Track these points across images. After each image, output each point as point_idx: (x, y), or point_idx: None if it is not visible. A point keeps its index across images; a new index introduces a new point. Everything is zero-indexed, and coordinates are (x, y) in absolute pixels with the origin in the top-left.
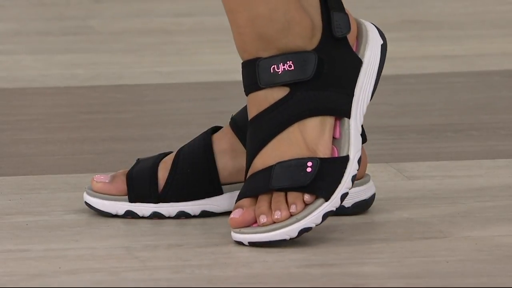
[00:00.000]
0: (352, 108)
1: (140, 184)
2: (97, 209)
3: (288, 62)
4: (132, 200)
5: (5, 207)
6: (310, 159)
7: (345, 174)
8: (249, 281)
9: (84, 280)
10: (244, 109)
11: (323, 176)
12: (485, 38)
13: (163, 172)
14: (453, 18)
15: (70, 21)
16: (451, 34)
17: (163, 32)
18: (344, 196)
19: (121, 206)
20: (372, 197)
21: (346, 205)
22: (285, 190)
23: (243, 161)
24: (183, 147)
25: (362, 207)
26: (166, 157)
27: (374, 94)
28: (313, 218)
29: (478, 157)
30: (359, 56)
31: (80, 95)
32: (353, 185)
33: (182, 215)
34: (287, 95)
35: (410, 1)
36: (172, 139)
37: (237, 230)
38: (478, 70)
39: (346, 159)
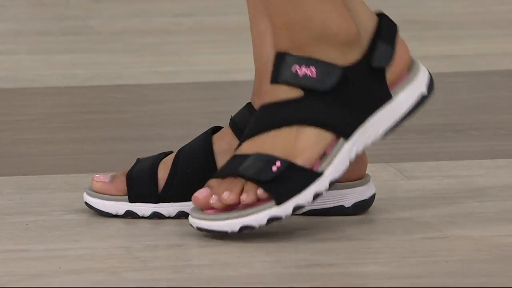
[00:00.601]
0: (355, 134)
1: (140, 184)
2: (97, 209)
3: (311, 68)
4: (132, 200)
5: (5, 207)
6: (280, 159)
7: (308, 188)
8: (249, 281)
9: (84, 280)
10: (243, 110)
11: (285, 180)
12: (485, 38)
13: (163, 172)
14: (453, 18)
15: (70, 21)
16: (451, 34)
17: (163, 32)
18: (297, 208)
19: (121, 206)
20: (372, 197)
21: (346, 205)
22: (246, 178)
23: None
24: (183, 147)
25: (362, 207)
26: (166, 157)
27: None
28: (258, 217)
29: (478, 157)
30: (392, 92)
31: (80, 95)
32: (353, 186)
33: (182, 215)
34: (299, 98)
35: (410, 1)
36: (172, 139)
37: (192, 213)
38: (478, 70)
39: (317, 174)
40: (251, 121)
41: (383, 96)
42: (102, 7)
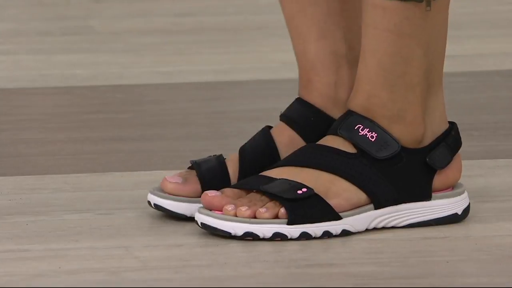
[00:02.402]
0: (385, 209)
1: (213, 185)
2: (170, 210)
3: (373, 133)
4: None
5: (5, 207)
6: (307, 187)
7: (323, 222)
8: (249, 281)
9: (84, 280)
10: (294, 104)
11: (306, 206)
12: (485, 38)
13: (232, 169)
14: (453, 18)
15: (70, 21)
16: (451, 34)
17: (163, 32)
18: (304, 235)
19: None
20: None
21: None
22: (270, 195)
23: None
24: (244, 147)
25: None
26: (230, 157)
27: None
28: (264, 229)
29: (478, 157)
30: (433, 195)
31: (80, 95)
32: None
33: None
34: (352, 154)
35: None
36: (172, 139)
37: (201, 210)
38: (478, 70)
39: (337, 216)
40: (293, 152)
41: (424, 194)
42: (102, 7)
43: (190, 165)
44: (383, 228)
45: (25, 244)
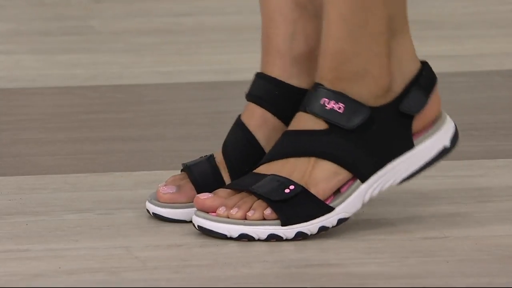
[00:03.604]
0: (371, 178)
1: (208, 189)
2: (168, 218)
3: (340, 104)
4: None
5: (5, 207)
6: (295, 184)
7: (315, 219)
8: (249, 281)
9: (84, 280)
10: (256, 81)
11: (296, 204)
12: (485, 38)
13: (224, 172)
14: (453, 18)
15: (70, 21)
16: (451, 34)
17: (163, 32)
18: (300, 234)
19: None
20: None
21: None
22: (258, 196)
23: (279, 129)
24: (225, 145)
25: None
26: (217, 158)
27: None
28: (258, 230)
29: (478, 157)
30: (415, 141)
31: (80, 95)
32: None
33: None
34: (323, 130)
35: (411, 1)
36: (172, 139)
37: (197, 212)
38: (478, 70)
39: (328, 209)
40: (274, 144)
41: (406, 144)
42: (102, 7)
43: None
44: (383, 227)
45: (25, 244)
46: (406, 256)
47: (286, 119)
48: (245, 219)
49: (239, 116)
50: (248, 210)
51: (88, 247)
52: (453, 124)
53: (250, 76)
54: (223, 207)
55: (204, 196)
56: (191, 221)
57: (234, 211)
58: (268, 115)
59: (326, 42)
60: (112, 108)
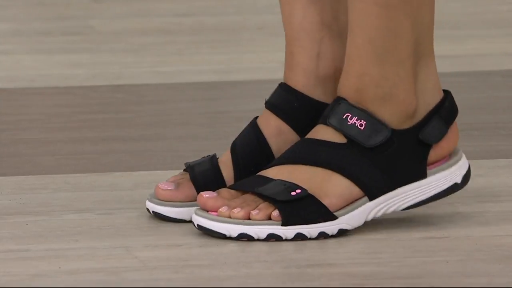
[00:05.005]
0: (379, 198)
1: (208, 188)
2: (169, 217)
3: (362, 120)
4: None
5: (5, 207)
6: (301, 188)
7: (317, 223)
8: (249, 281)
9: (84, 280)
10: (278, 91)
11: (299, 207)
12: (485, 38)
13: (226, 172)
14: (453, 18)
15: (70, 21)
16: (451, 34)
17: (163, 32)
18: (299, 236)
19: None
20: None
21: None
22: (263, 197)
23: (293, 142)
24: (235, 143)
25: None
26: (223, 157)
27: None
28: (257, 229)
29: (478, 157)
30: (428, 172)
31: (80, 95)
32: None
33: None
34: (341, 144)
35: None
36: (172, 139)
37: (197, 211)
38: (478, 70)
39: (332, 216)
40: (288, 148)
41: (419, 173)
42: (102, 7)
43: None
44: (383, 228)
45: (25, 244)
46: (406, 256)
47: (302, 132)
48: (248, 218)
49: (255, 118)
50: (250, 210)
51: (88, 247)
52: (467, 163)
53: (250, 76)
54: (225, 206)
55: (207, 194)
56: (190, 220)
57: (236, 211)
58: (285, 126)
59: (352, 64)
60: (112, 108)
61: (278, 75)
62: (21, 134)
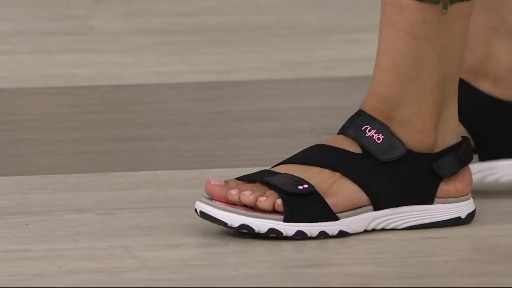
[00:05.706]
0: (383, 210)
1: None
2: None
3: (380, 135)
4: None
5: (5, 207)
6: (309, 184)
7: (318, 221)
8: (249, 281)
9: (84, 280)
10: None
11: (304, 204)
12: None
13: None
14: None
15: (70, 21)
16: None
17: (163, 32)
18: (299, 233)
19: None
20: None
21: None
22: (271, 186)
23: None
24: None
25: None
26: None
27: None
28: (260, 223)
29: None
30: (435, 200)
31: (80, 95)
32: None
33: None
34: (358, 154)
35: None
36: (172, 139)
37: (201, 198)
38: None
39: (334, 217)
40: (301, 151)
41: (427, 198)
42: (102, 7)
43: (190, 165)
44: (382, 229)
45: (25, 244)
46: (406, 256)
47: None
48: (255, 205)
49: None
50: (260, 196)
51: (88, 247)
52: (474, 205)
53: (250, 76)
54: (235, 189)
55: (215, 182)
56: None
57: (247, 193)
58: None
59: (375, 86)
60: (112, 108)
61: (278, 75)
62: (21, 134)
